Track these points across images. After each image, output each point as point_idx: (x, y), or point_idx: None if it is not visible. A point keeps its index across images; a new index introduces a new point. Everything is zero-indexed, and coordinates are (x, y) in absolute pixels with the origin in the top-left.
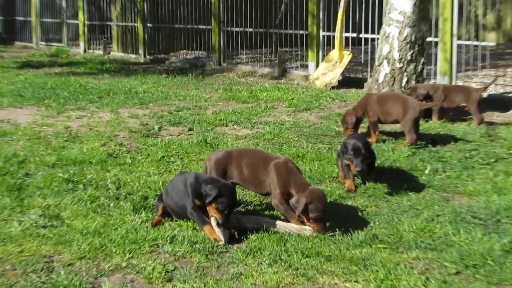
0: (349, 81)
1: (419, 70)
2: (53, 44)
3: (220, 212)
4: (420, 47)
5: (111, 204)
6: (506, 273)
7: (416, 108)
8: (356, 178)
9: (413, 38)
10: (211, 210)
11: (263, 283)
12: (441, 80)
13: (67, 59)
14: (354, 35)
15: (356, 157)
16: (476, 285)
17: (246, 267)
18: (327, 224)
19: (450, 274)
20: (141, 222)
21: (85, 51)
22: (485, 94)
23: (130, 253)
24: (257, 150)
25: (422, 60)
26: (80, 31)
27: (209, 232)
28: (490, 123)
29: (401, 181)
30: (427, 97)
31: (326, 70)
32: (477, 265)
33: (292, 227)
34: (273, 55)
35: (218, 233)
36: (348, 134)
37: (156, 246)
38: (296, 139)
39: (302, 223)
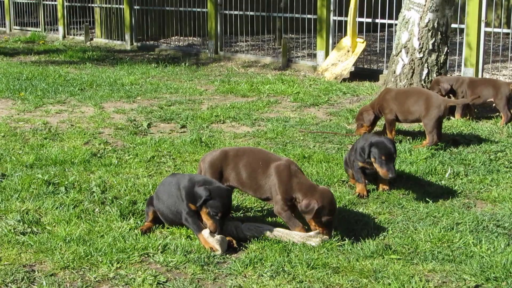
0: (362, 73)
1: (441, 61)
2: (28, 28)
3: (212, 218)
4: (444, 35)
5: (96, 209)
6: None
7: (441, 105)
8: (368, 183)
9: (435, 25)
10: (203, 216)
11: None
12: (466, 72)
13: (45, 46)
14: (369, 20)
15: (388, 162)
16: None
17: (245, 279)
18: (336, 232)
19: (469, 287)
20: (130, 229)
21: (64, 36)
22: None
23: (118, 263)
24: (257, 149)
25: (446, 49)
26: (59, 14)
27: (203, 240)
28: None
29: (418, 185)
30: (451, 92)
31: (337, 60)
32: (498, 278)
33: (296, 235)
34: (277, 43)
35: (213, 242)
36: (361, 132)
37: (146, 255)
38: (302, 138)
39: (308, 230)
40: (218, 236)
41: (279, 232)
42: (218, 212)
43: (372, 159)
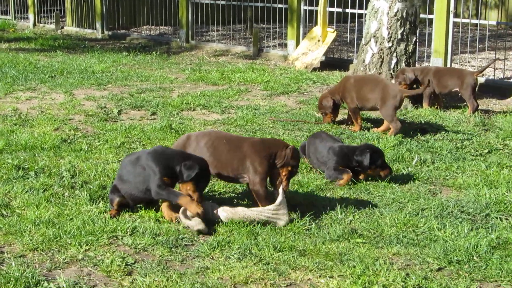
0: (333, 62)
1: (410, 50)
2: None
3: (199, 191)
4: (412, 25)
5: (66, 193)
6: (491, 269)
7: (397, 95)
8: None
9: (404, 14)
10: (186, 188)
11: (231, 278)
12: (435, 62)
13: (15, 34)
14: (340, 10)
15: (385, 165)
16: (458, 282)
17: (212, 261)
18: (303, 217)
19: (432, 270)
20: (99, 213)
21: (35, 25)
22: (482, 79)
23: (86, 245)
24: (218, 131)
25: (414, 39)
26: (29, 2)
27: (187, 202)
28: (486, 111)
29: None
30: (415, 82)
31: (307, 49)
32: (461, 261)
33: (268, 212)
34: (248, 32)
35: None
36: (328, 120)
37: (115, 238)
38: (271, 125)
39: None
40: (197, 220)
41: (252, 211)
42: (205, 185)
43: (373, 166)
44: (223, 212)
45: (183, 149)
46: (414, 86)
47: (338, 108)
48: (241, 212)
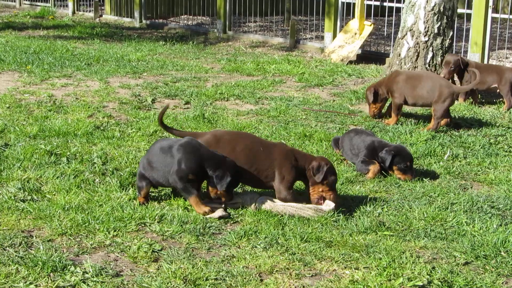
0: (369, 56)
1: (446, 45)
2: (38, 3)
3: (228, 192)
4: (449, 19)
5: (97, 180)
6: None
7: (453, 94)
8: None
9: (441, 8)
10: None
11: (256, 267)
12: (472, 57)
13: (54, 21)
14: (378, 3)
15: (411, 167)
16: (484, 276)
17: (239, 249)
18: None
19: (459, 264)
20: (128, 200)
21: (74, 12)
22: None
23: (114, 231)
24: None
25: (451, 33)
26: None
27: (196, 203)
28: None
29: (416, 166)
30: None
31: (344, 42)
32: (488, 256)
33: (309, 209)
34: (286, 24)
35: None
36: (373, 111)
37: (143, 225)
38: (304, 117)
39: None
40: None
41: (292, 207)
42: (235, 187)
43: (395, 167)
44: (263, 204)
45: (210, 147)
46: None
47: (383, 99)
48: (281, 206)
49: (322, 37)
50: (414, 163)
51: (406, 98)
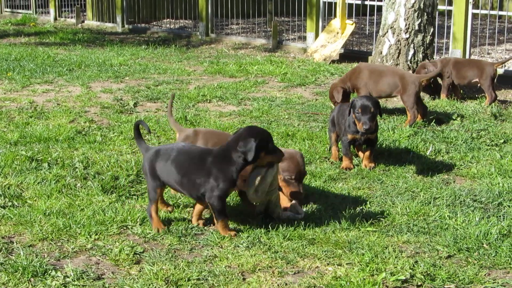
0: (351, 55)
1: (427, 41)
2: (19, 11)
3: None
4: (430, 16)
5: (78, 184)
6: (500, 257)
7: (415, 81)
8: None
9: (421, 5)
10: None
11: (239, 266)
12: (453, 53)
13: (35, 28)
14: (359, 2)
15: (364, 114)
16: (467, 269)
17: (221, 249)
18: (315, 206)
19: (441, 257)
20: (110, 203)
21: (55, 19)
22: (501, 70)
23: (96, 235)
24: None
25: (432, 30)
26: None
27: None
28: (504, 102)
29: (399, 162)
30: (437, 74)
31: (326, 41)
32: (471, 249)
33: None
34: (268, 25)
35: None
36: None
37: (125, 227)
38: (286, 116)
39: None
40: None
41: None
42: None
43: (353, 116)
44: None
45: (188, 140)
46: (433, 79)
47: (348, 97)
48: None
49: (305, 38)
50: (396, 158)
51: (371, 93)
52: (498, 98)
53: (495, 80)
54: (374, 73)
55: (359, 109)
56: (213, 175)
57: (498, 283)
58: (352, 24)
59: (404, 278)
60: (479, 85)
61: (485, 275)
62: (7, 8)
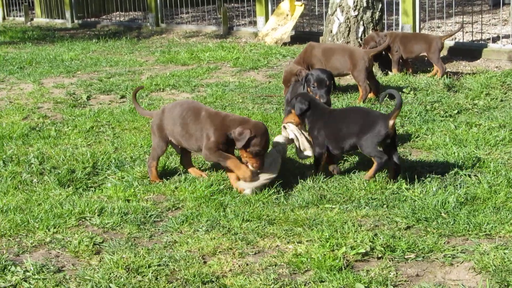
0: (303, 36)
1: (376, 17)
2: None
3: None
4: None
5: (34, 180)
6: (459, 224)
7: (365, 57)
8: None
9: None
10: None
11: (199, 250)
12: (403, 28)
13: None
14: None
15: (320, 88)
16: (426, 238)
17: (181, 234)
18: (272, 186)
19: (400, 229)
20: (67, 196)
21: (4, 18)
22: (451, 43)
23: (54, 228)
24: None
25: (380, 6)
26: None
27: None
28: (456, 73)
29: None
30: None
31: (277, 24)
32: (429, 219)
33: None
34: (218, 12)
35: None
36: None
37: (83, 219)
38: (240, 101)
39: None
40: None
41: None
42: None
43: (308, 89)
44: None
45: (160, 123)
46: (383, 53)
47: None
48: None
49: (255, 22)
50: None
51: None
52: (450, 70)
53: (441, 52)
54: (325, 51)
55: (315, 83)
56: None
57: (458, 250)
58: (301, 5)
59: (365, 251)
60: (426, 58)
61: (444, 243)
62: None
